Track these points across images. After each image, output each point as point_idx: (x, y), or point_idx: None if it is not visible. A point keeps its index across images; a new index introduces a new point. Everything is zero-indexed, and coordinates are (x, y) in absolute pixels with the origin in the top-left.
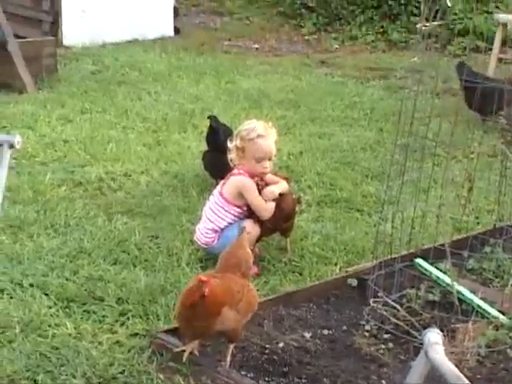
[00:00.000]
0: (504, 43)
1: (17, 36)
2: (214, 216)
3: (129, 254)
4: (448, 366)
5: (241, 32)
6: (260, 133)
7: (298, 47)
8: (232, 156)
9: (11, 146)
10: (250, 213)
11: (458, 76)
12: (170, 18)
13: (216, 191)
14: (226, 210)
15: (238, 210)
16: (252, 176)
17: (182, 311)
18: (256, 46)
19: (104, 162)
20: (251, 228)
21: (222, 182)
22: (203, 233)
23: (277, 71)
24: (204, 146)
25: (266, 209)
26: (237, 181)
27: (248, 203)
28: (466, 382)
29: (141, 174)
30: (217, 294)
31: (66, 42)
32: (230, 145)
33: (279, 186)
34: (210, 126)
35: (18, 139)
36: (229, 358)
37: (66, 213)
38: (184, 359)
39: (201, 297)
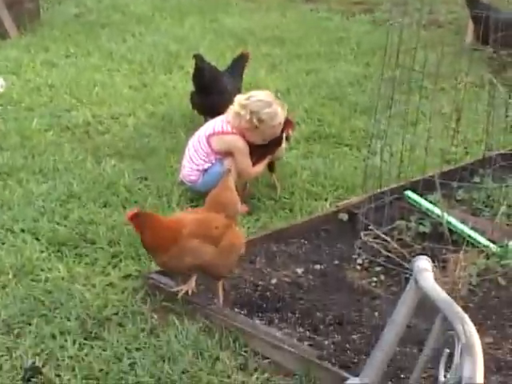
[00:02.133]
0: None
1: None
2: (198, 159)
3: (118, 196)
4: (438, 292)
5: None
6: (280, 121)
7: None
8: (231, 120)
9: None
10: None
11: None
12: None
13: (203, 136)
14: (210, 155)
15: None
16: (244, 137)
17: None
18: None
19: (90, 106)
20: (232, 163)
21: (211, 130)
22: (188, 171)
23: (261, 8)
24: (191, 87)
25: (250, 173)
26: (231, 141)
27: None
28: (454, 304)
29: (128, 117)
30: (169, 223)
31: None
32: (233, 108)
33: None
34: (196, 65)
35: (0, 82)
36: (221, 296)
37: (54, 157)
38: (179, 296)
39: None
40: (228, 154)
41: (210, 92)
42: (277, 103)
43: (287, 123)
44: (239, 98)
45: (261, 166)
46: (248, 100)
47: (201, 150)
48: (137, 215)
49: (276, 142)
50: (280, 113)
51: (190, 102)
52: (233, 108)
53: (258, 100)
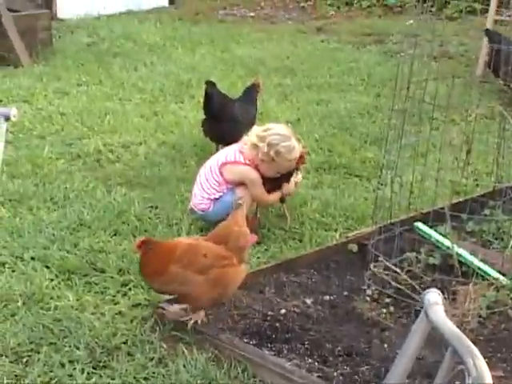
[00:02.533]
0: (500, 4)
1: (10, 10)
2: (209, 187)
3: (128, 224)
4: (448, 326)
5: (236, 0)
6: (296, 155)
7: (293, 14)
8: (247, 151)
9: (7, 119)
10: None
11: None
12: None
13: (215, 165)
14: (221, 185)
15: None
16: (257, 170)
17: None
18: (251, 14)
19: (102, 134)
20: (245, 191)
21: (223, 159)
22: (199, 199)
23: (272, 39)
24: (202, 115)
25: (265, 201)
26: (244, 171)
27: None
28: (464, 337)
29: (139, 145)
30: (158, 252)
31: (61, 14)
32: (250, 139)
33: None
34: (206, 92)
35: (13, 112)
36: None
37: (65, 185)
38: (189, 327)
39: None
40: (240, 184)
41: (221, 120)
42: (294, 137)
43: (299, 156)
44: (256, 130)
45: (276, 195)
46: (266, 132)
47: (212, 178)
48: (144, 243)
49: (288, 175)
50: (297, 147)
51: (201, 130)
52: (249, 139)
53: (276, 133)
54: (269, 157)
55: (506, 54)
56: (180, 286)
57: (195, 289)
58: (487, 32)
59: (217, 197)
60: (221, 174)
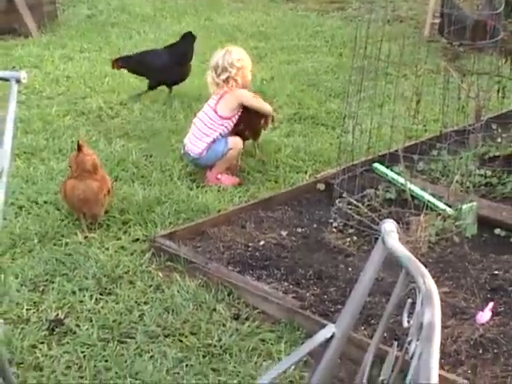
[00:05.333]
0: None
1: None
2: (206, 128)
3: (127, 171)
4: (402, 251)
5: None
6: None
7: None
8: (226, 88)
9: (18, 81)
10: (234, 130)
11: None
12: None
13: (208, 108)
14: (218, 124)
15: (229, 121)
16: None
17: None
18: None
19: (102, 94)
20: (235, 143)
21: (215, 100)
22: (194, 144)
23: (248, 8)
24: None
25: (265, 106)
26: (236, 95)
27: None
28: (416, 260)
29: (134, 103)
30: None
31: None
32: (220, 79)
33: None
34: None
35: (23, 75)
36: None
37: (71, 139)
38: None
39: None
40: (236, 109)
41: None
42: (229, 47)
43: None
44: (211, 75)
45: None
46: (223, 63)
47: (209, 119)
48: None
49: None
50: (237, 47)
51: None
52: (215, 81)
53: (226, 56)
54: (240, 71)
55: (449, 16)
56: None
57: None
58: None
59: (213, 138)
60: (215, 111)
